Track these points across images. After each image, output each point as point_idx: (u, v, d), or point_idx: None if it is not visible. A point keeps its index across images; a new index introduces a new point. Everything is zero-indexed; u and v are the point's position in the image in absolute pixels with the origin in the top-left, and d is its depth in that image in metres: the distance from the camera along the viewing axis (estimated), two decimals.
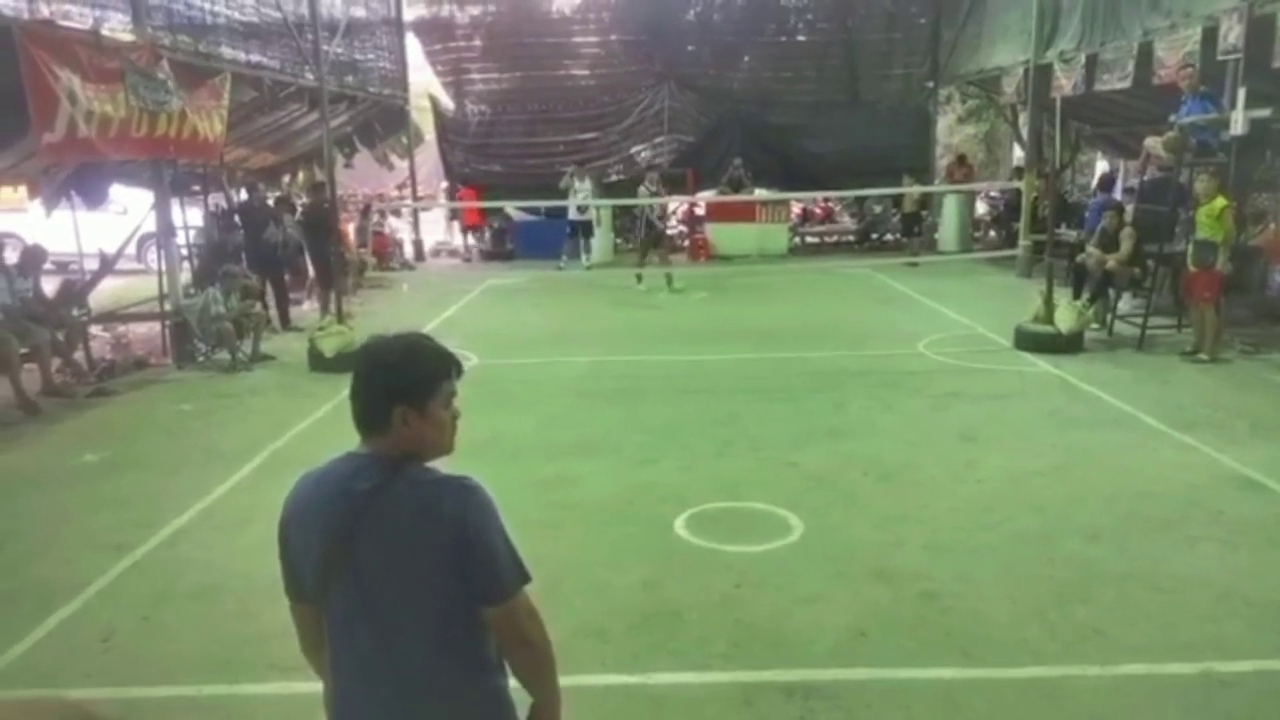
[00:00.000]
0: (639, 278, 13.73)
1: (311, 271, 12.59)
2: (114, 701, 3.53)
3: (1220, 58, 9.16)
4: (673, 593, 4.41)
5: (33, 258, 9.11)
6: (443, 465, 1.91)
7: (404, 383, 1.85)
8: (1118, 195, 13.46)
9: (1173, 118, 9.76)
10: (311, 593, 1.88)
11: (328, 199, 10.65)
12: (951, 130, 22.99)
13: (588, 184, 16.31)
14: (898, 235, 18.19)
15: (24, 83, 7.04)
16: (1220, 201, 8.46)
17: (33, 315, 8.43)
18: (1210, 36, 9.45)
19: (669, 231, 14.65)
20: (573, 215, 16.20)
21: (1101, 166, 20.33)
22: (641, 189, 14.31)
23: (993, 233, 18.59)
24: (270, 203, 12.84)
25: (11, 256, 9.55)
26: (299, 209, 13.08)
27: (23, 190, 10.09)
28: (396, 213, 19.09)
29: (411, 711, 1.84)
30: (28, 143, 7.66)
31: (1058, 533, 5.00)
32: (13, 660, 3.94)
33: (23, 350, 8.01)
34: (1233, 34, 8.98)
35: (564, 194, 15.87)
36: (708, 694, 3.63)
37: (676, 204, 14.86)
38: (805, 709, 3.48)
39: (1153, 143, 10.11)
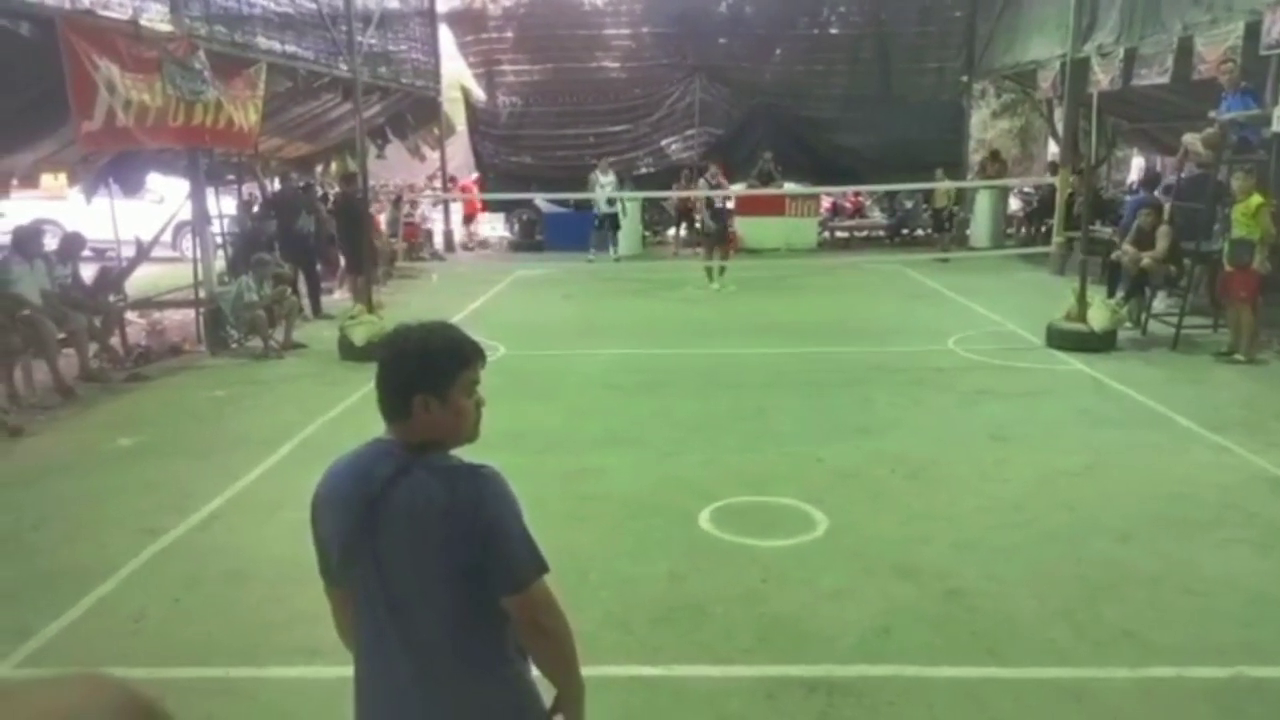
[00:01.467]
0: (709, 275, 13.30)
1: (343, 261, 12.71)
2: (146, 682, 3.59)
3: (1263, 53, 8.97)
4: (697, 586, 4.41)
5: (71, 245, 9.28)
6: (470, 455, 1.92)
7: (424, 370, 1.87)
8: (1157, 192, 13.25)
9: (1213, 114, 9.58)
10: (337, 576, 1.92)
11: (360, 189, 10.73)
12: (985, 125, 22.74)
13: (612, 176, 16.31)
14: (929, 230, 18.05)
15: (64, 72, 7.15)
16: (1256, 199, 8.30)
17: (71, 301, 8.57)
18: (1253, 31, 9.26)
19: (728, 224, 14.10)
20: (602, 209, 16.21)
21: (1138, 163, 20.01)
22: (702, 181, 14.09)
23: (1025, 229, 18.39)
24: (302, 189, 12.96)
25: (51, 243, 9.71)
26: (330, 198, 13.19)
27: (62, 178, 10.24)
28: (442, 204, 19.20)
29: (429, 697, 1.86)
30: (67, 131, 7.79)
31: (1087, 532, 4.94)
32: (50, 639, 4.02)
33: (60, 335, 8.15)
34: (1276, 28, 8.80)
35: (592, 188, 15.90)
36: (730, 688, 3.63)
37: (730, 196, 14.44)
38: (828, 704, 3.47)
39: (1191, 139, 9.94)
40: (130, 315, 10.18)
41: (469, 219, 19.70)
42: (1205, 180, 9.89)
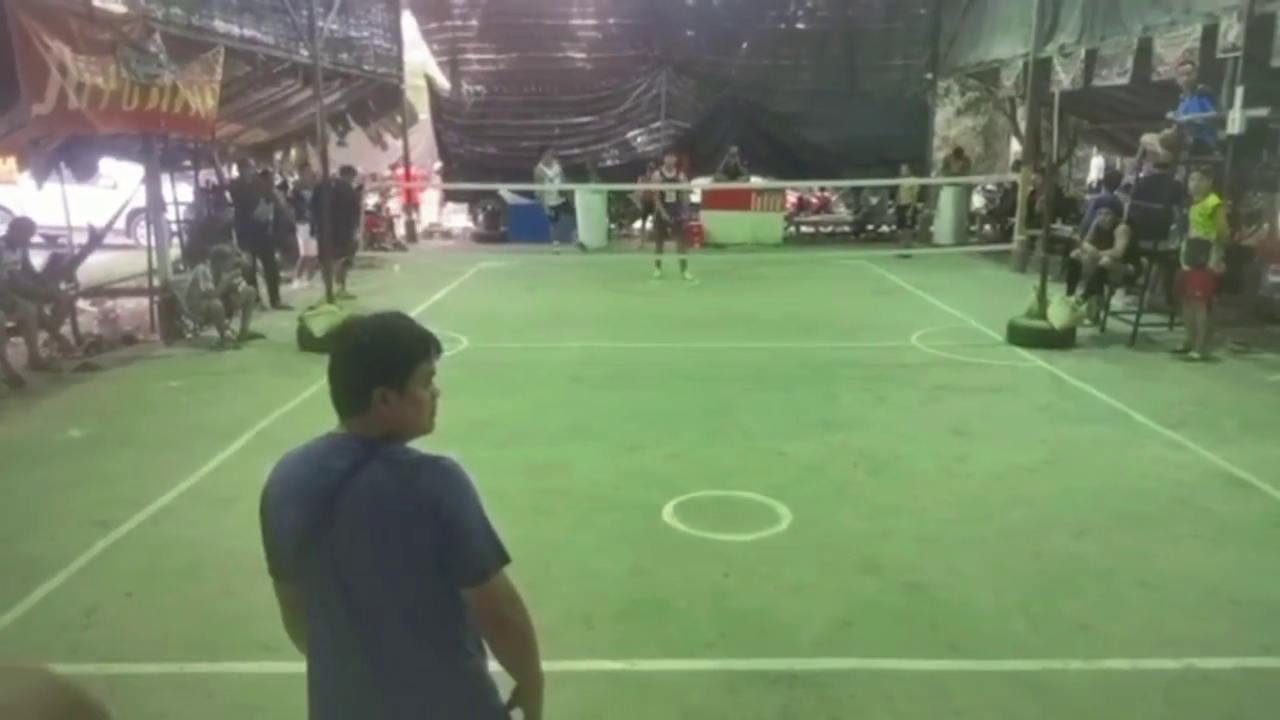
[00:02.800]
0: (658, 264, 13.38)
1: (306, 250, 12.55)
2: (97, 678, 3.51)
3: (1220, 56, 9.14)
4: (660, 580, 4.40)
5: (20, 230, 9.03)
6: (433, 447, 1.88)
7: (383, 363, 1.84)
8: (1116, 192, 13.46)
9: (1171, 115, 9.75)
10: (290, 571, 1.87)
11: (339, 178, 10.59)
12: (949, 123, 22.94)
13: (556, 168, 16.28)
14: (894, 227, 18.21)
15: (14, 53, 6.95)
16: (1213, 200, 8.46)
17: (20, 289, 8.36)
18: (1210, 34, 9.43)
19: (684, 218, 14.09)
20: (552, 201, 16.20)
21: (1098, 163, 20.29)
22: (657, 174, 14.08)
23: (988, 226, 18.59)
24: (260, 175, 12.76)
25: (0, 229, 9.47)
26: (289, 185, 12.99)
27: (12, 162, 9.98)
28: (390, 192, 19.00)
29: (387, 693, 1.82)
30: (17, 114, 7.58)
31: (1045, 527, 5.00)
32: None
33: (9, 324, 7.95)
34: (1232, 32, 8.96)
35: (538, 180, 15.89)
36: (693, 681, 3.63)
37: (688, 190, 14.37)
38: (789, 698, 3.48)
39: (1150, 140, 10.10)
40: (82, 303, 9.97)
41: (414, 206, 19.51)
42: (1163, 180, 10.07)
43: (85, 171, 10.38)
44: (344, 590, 1.80)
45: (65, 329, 8.99)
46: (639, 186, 16.28)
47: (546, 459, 5.98)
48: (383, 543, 1.78)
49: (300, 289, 12.41)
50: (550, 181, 16.10)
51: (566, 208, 16.53)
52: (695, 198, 17.56)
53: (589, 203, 16.70)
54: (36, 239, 9.63)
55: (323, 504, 1.78)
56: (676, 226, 13.74)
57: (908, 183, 15.73)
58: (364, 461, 1.79)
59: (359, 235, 14.99)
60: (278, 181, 14.10)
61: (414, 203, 19.42)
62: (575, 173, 17.64)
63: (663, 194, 13.60)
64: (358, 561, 1.79)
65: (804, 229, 19.49)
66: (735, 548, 4.75)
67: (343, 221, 11.50)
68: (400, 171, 19.11)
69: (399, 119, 18.00)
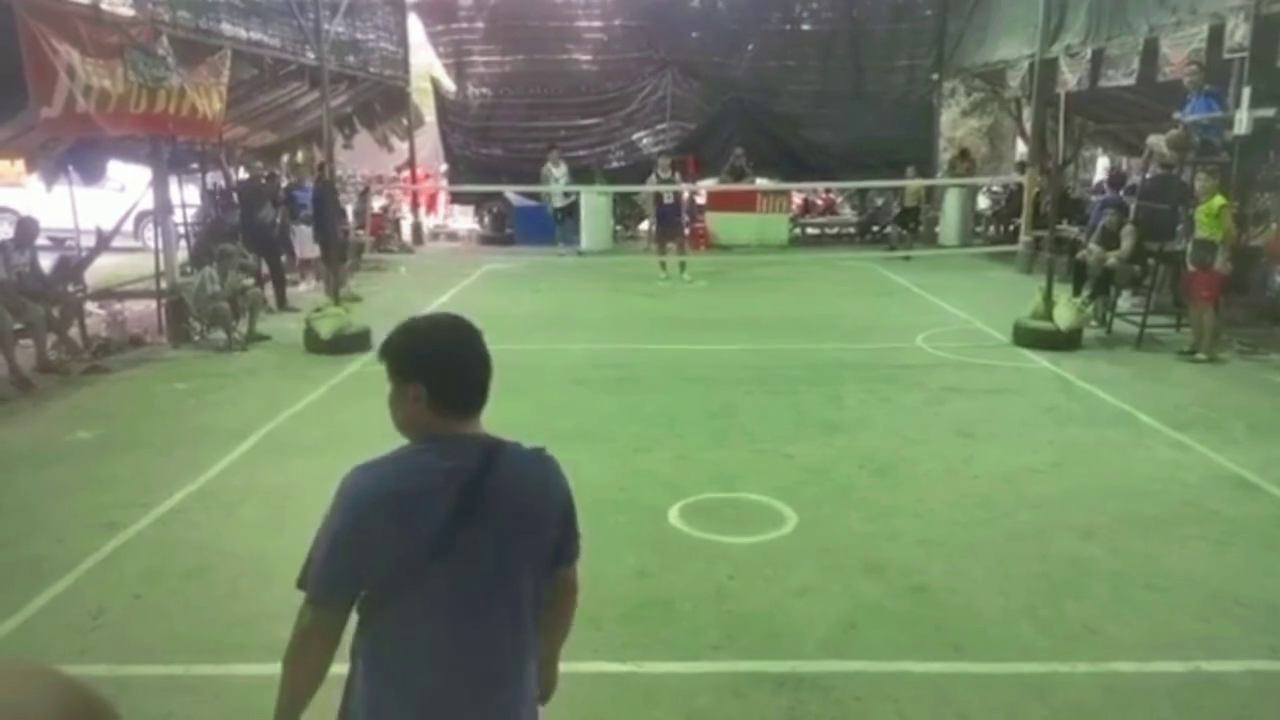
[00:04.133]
0: (663, 266, 13.37)
1: (302, 252, 12.59)
2: (104, 679, 3.52)
3: (1226, 56, 9.12)
4: (665, 582, 4.41)
5: (26, 230, 9.04)
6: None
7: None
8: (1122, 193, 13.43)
9: (1177, 115, 9.73)
10: (393, 586, 1.77)
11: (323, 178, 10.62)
12: (955, 124, 22.90)
13: (564, 169, 16.30)
14: (900, 230, 18.17)
15: (23, 56, 6.99)
16: (1219, 200, 8.44)
17: (28, 291, 8.39)
18: (1216, 35, 9.41)
19: (680, 220, 14.11)
20: (558, 203, 16.20)
21: (1104, 163, 20.24)
22: (653, 177, 14.15)
23: (993, 228, 18.56)
24: (267, 178, 12.80)
25: (7, 231, 9.50)
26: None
27: (20, 165, 10.03)
28: (390, 193, 19.04)
29: (494, 690, 1.84)
30: (26, 117, 7.62)
31: (1052, 529, 5.00)
32: (5, 636, 3.93)
33: (17, 326, 7.98)
34: (1239, 32, 8.95)
35: (545, 180, 15.91)
36: (698, 684, 3.63)
37: (688, 191, 14.34)
38: (795, 700, 3.48)
39: (1156, 140, 10.08)
40: (90, 306, 10.00)
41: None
42: (1169, 181, 10.06)
43: (93, 174, 10.42)
44: (467, 595, 1.80)
45: (73, 331, 9.03)
46: (645, 188, 16.28)
47: None
48: (515, 534, 1.83)
49: (306, 291, 12.44)
50: (557, 182, 16.09)
51: (571, 211, 16.49)
52: (700, 199, 17.58)
53: (594, 204, 16.70)
54: (44, 241, 9.66)
55: (458, 501, 1.77)
56: (674, 229, 13.75)
57: (914, 184, 15.71)
58: (494, 455, 1.83)
59: (361, 235, 15.05)
60: (284, 184, 14.15)
61: (430, 204, 19.44)
62: (581, 174, 17.65)
63: (659, 197, 13.61)
64: (486, 560, 1.80)
65: (809, 231, 19.47)
66: (740, 550, 4.75)
67: (325, 221, 11.49)
68: (406, 174, 19.18)
69: (405, 121, 18.04)
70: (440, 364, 1.85)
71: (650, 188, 14.04)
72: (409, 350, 1.86)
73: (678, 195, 13.89)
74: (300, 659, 1.84)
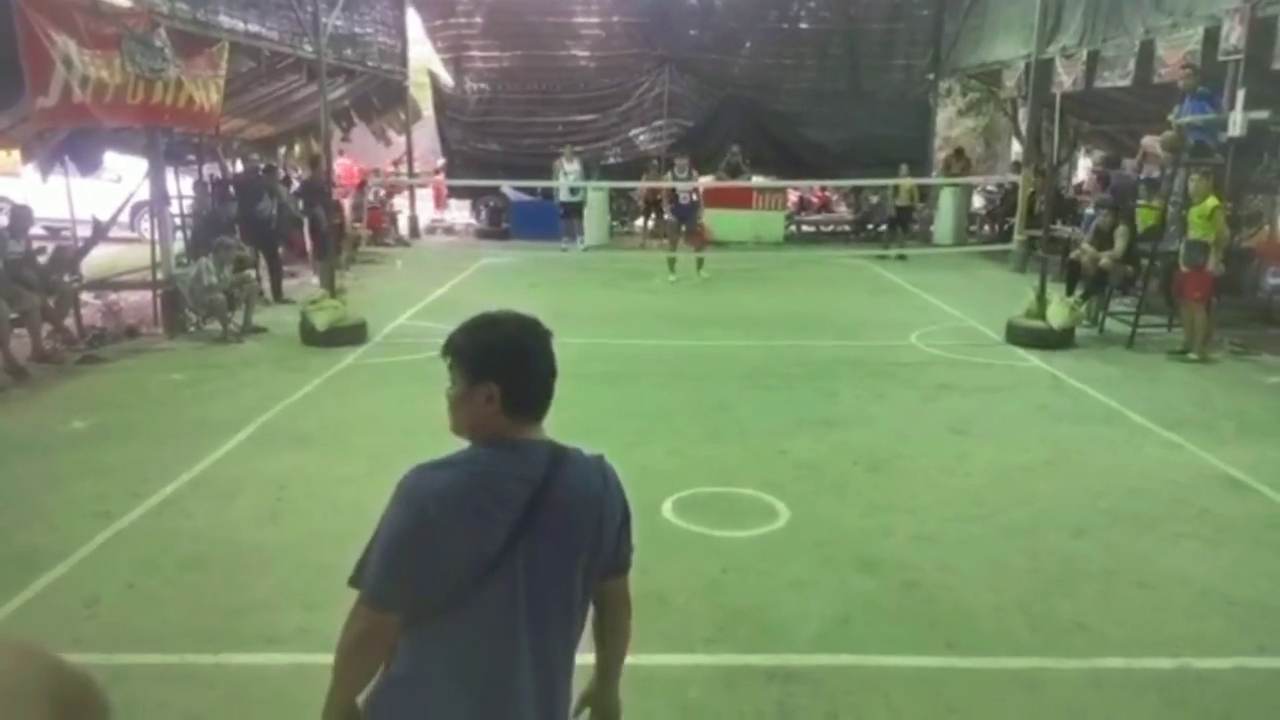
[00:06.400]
0: (671, 265, 13.20)
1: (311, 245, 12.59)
2: (98, 668, 3.53)
3: (1221, 58, 9.16)
4: (659, 575, 4.42)
5: (21, 218, 9.01)
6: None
7: None
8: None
9: (1171, 117, 9.77)
10: (452, 594, 1.72)
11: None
12: (951, 123, 22.97)
13: (577, 165, 16.28)
14: (897, 228, 18.20)
15: (19, 46, 6.97)
16: (1211, 201, 8.48)
17: (23, 280, 8.38)
18: (1211, 37, 9.44)
19: (698, 217, 13.97)
20: (564, 197, 16.18)
21: (1085, 164, 20.18)
22: (670, 174, 14.02)
23: (988, 227, 18.61)
24: (264, 171, 12.79)
25: (2, 220, 9.48)
26: (292, 180, 13.02)
27: (16, 154, 9.99)
28: (398, 189, 19.02)
29: (545, 698, 1.81)
30: (22, 106, 7.60)
31: (1043, 526, 5.03)
32: None
33: (12, 315, 7.96)
34: (1234, 35, 8.98)
35: (556, 176, 15.88)
36: (690, 675, 3.65)
37: (698, 188, 14.20)
38: (786, 693, 3.50)
39: (1150, 141, 10.13)
40: (85, 296, 9.98)
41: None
42: (1124, 180, 10.15)
43: (89, 165, 10.37)
44: (530, 604, 1.76)
45: (69, 321, 9.02)
46: (655, 184, 16.29)
47: None
48: (573, 540, 1.80)
49: (302, 284, 12.42)
50: (568, 178, 16.03)
51: (578, 209, 16.45)
52: (684, 199, 17.55)
53: (591, 200, 16.71)
54: (40, 231, 9.63)
55: (529, 511, 1.73)
56: (690, 228, 13.66)
57: (907, 183, 15.74)
58: (559, 460, 1.80)
59: (358, 228, 15.04)
60: (281, 176, 14.13)
61: (439, 199, 19.37)
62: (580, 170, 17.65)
63: (674, 195, 13.57)
64: (546, 566, 1.76)
65: (805, 228, 19.51)
66: (734, 544, 4.77)
67: (318, 214, 11.49)
68: (403, 168, 19.16)
69: (403, 115, 18.01)
70: (516, 363, 1.79)
71: (657, 183, 14.01)
72: (485, 347, 1.79)
73: (694, 193, 13.84)
74: (355, 661, 1.77)
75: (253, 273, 10.22)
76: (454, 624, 1.73)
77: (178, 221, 10.82)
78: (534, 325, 1.84)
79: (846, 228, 19.39)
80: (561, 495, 1.76)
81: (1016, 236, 14.06)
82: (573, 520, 1.79)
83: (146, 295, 10.17)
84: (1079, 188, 17.37)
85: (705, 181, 17.53)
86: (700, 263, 13.32)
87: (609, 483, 1.88)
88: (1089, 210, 10.64)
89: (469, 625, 1.73)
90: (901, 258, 15.04)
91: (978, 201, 19.63)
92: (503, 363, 1.77)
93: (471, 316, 1.86)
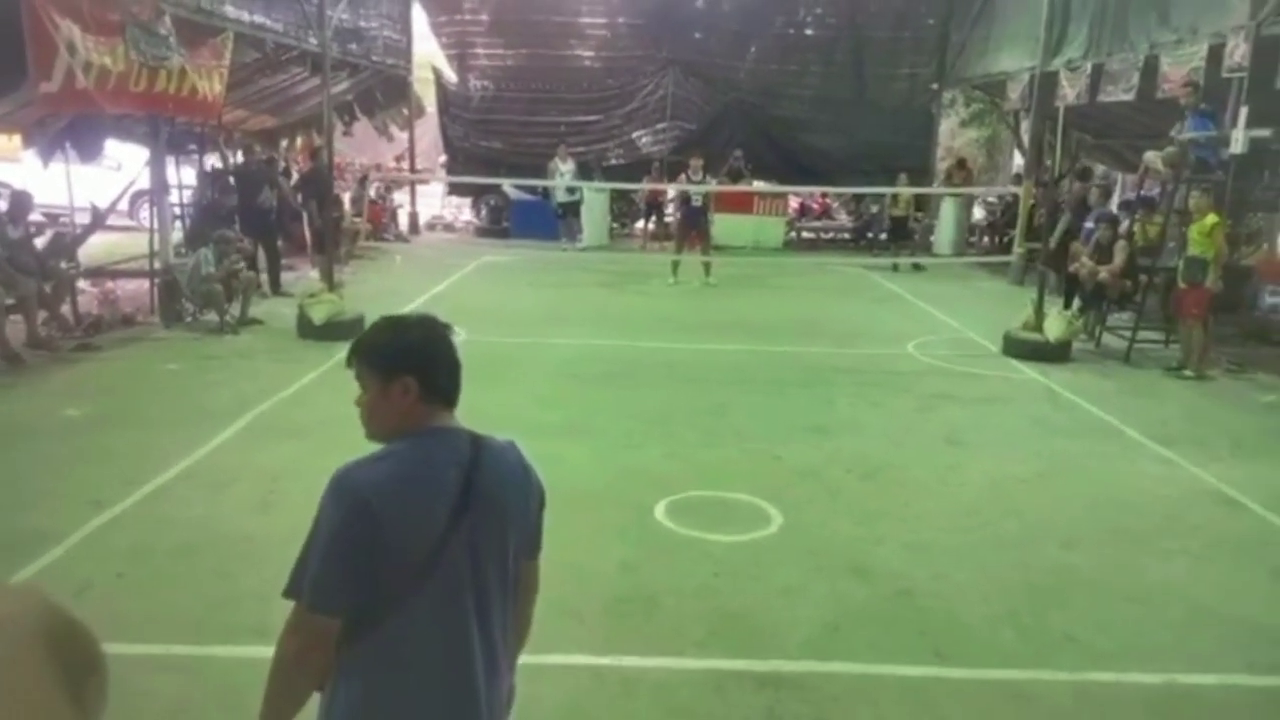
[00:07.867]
0: (675, 269, 13.17)
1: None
2: None
3: (1225, 75, 9.18)
4: (650, 578, 4.42)
5: (21, 204, 8.98)
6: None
7: None
8: (1114, 207, 13.49)
9: (1173, 133, 9.78)
10: (406, 583, 1.72)
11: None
12: (953, 133, 22.99)
13: (571, 164, 16.29)
14: (893, 237, 18.21)
15: (23, 30, 6.96)
16: (1212, 218, 8.49)
17: (20, 266, 8.35)
18: (1216, 54, 9.46)
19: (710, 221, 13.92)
20: (560, 197, 16.18)
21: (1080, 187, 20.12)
22: (683, 176, 13.97)
23: (988, 239, 18.62)
24: (265, 162, 12.77)
25: (1, 205, 9.46)
26: (292, 173, 13.00)
27: (16, 139, 9.97)
28: (398, 185, 19.01)
29: (491, 680, 1.83)
30: (24, 91, 7.58)
31: (1036, 538, 5.03)
32: None
33: (8, 301, 7.94)
34: (1238, 52, 9.00)
35: (551, 176, 15.90)
36: (679, 679, 3.65)
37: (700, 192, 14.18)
38: (774, 699, 3.50)
39: (1152, 157, 10.14)
40: (82, 283, 9.95)
41: None
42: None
43: (90, 152, 10.35)
44: (475, 589, 1.78)
45: (65, 308, 8.99)
46: (659, 186, 16.29)
47: (540, 454, 5.92)
48: (505, 524, 1.85)
49: (300, 277, 12.41)
50: (563, 177, 16.06)
51: (574, 208, 16.47)
52: (696, 201, 17.58)
53: (592, 201, 16.71)
54: (38, 217, 9.61)
55: (460, 492, 1.77)
56: (700, 231, 13.60)
57: (905, 192, 15.72)
58: (478, 446, 1.85)
59: (358, 223, 15.02)
60: (282, 168, 14.12)
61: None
62: (580, 171, 17.65)
63: (687, 199, 13.54)
64: (486, 551, 1.81)
65: (805, 234, 19.51)
66: (726, 548, 4.77)
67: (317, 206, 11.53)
68: (405, 163, 19.15)
69: (406, 111, 17.99)
70: (426, 353, 1.86)
71: (663, 185, 13.99)
72: (393, 344, 1.87)
73: (705, 197, 13.83)
74: (296, 679, 1.75)
75: (244, 264, 10.13)
76: (404, 621, 1.73)
77: (177, 211, 10.80)
78: (435, 321, 1.93)
79: (846, 235, 19.39)
80: (490, 476, 1.82)
81: (1016, 248, 14.07)
82: (503, 500, 1.84)
83: (143, 284, 10.16)
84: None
85: (706, 186, 17.56)
86: (708, 267, 13.30)
87: (526, 465, 1.94)
88: (1088, 224, 10.63)
89: (420, 617, 1.73)
90: (917, 267, 15.02)
91: (978, 213, 19.64)
92: (416, 356, 1.84)
93: (372, 322, 1.98)
